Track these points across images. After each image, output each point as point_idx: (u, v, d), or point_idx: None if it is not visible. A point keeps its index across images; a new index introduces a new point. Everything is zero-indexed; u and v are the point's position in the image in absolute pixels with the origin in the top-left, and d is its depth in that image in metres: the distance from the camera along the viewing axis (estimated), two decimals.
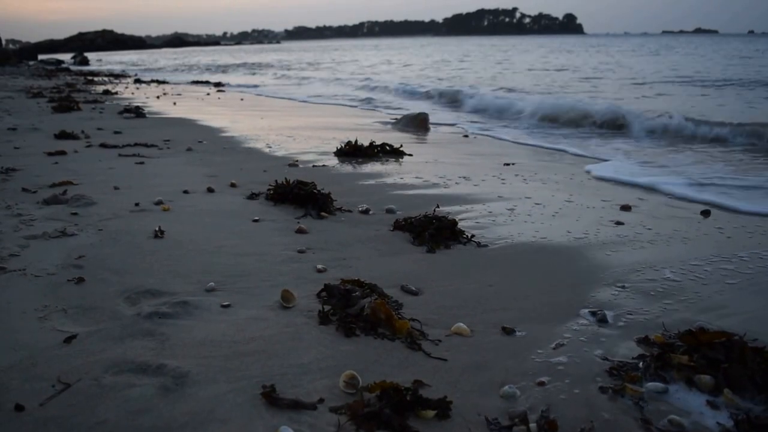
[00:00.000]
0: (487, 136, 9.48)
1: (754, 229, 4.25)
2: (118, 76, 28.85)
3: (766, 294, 3.10)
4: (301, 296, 2.94)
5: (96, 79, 24.88)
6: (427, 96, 15.86)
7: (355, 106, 14.67)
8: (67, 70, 35.01)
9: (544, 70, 25.91)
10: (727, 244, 3.90)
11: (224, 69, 35.15)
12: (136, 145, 7.58)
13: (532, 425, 1.96)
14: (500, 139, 9.17)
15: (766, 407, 2.07)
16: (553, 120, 10.85)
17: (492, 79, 21.01)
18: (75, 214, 4.32)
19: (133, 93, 17.53)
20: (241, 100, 16.17)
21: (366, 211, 4.60)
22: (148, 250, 3.60)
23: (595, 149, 8.08)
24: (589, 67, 27.82)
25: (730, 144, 8.28)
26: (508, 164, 6.74)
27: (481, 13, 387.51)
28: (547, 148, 8.28)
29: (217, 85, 22.06)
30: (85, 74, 29.46)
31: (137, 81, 23.63)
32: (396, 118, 11.13)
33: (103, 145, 7.50)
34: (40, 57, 50.16)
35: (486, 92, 15.11)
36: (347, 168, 6.62)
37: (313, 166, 6.53)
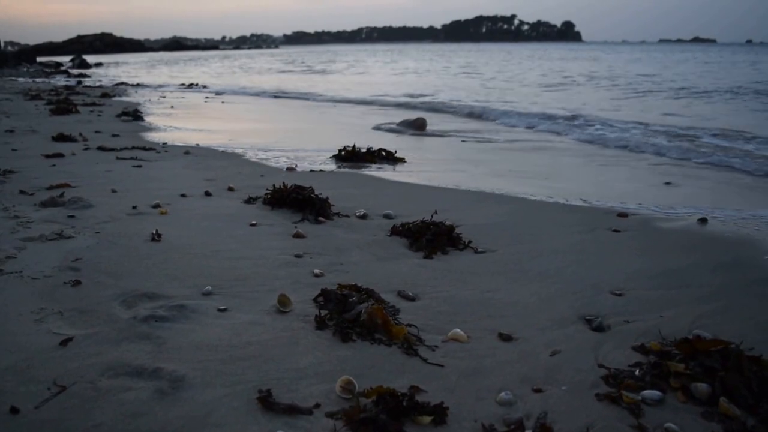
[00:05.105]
0: None
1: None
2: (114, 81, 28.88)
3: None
4: (297, 301, 2.94)
5: (96, 84, 24.90)
6: None
7: None
8: (66, 72, 35.05)
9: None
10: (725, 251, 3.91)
11: None
12: (133, 148, 7.58)
13: None
14: None
15: (762, 417, 2.07)
16: None
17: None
18: (72, 216, 4.32)
19: (131, 96, 17.53)
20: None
21: (364, 216, 4.61)
22: (145, 253, 3.59)
23: None
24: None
25: None
26: None
27: (479, 20, 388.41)
28: None
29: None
30: (78, 76, 29.63)
31: (136, 85, 23.65)
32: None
33: (100, 148, 7.49)
34: (39, 59, 50.05)
35: None
36: (345, 172, 6.62)
37: (311, 170, 6.53)
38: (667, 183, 6.29)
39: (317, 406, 2.08)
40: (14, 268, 3.25)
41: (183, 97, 17.73)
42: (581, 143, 9.59)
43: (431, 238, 3.91)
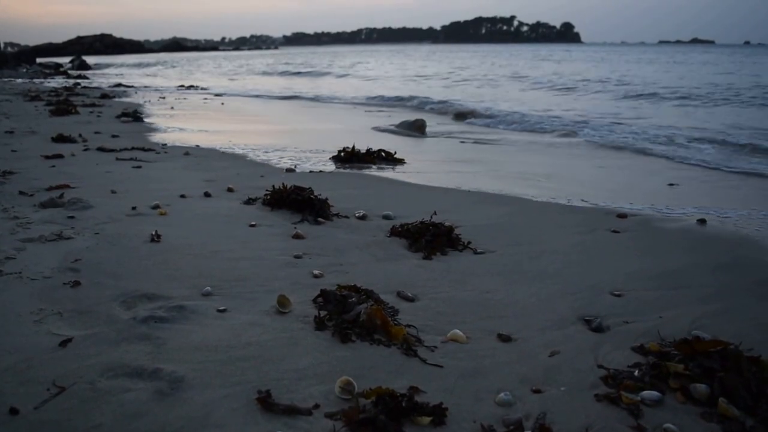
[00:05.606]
0: None
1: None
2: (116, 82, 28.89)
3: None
4: (297, 301, 2.94)
5: (92, 85, 24.93)
6: None
7: None
8: (65, 73, 35.07)
9: None
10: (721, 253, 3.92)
11: None
12: (133, 149, 7.58)
13: None
14: None
15: (761, 417, 2.07)
16: None
17: None
18: (71, 217, 4.32)
19: (130, 97, 17.53)
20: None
21: (363, 217, 4.61)
22: (144, 254, 3.59)
23: None
24: None
25: None
26: None
27: (478, 21, 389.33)
28: None
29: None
30: (77, 77, 29.72)
31: (132, 86, 23.69)
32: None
33: (100, 149, 7.49)
34: (39, 60, 50.05)
35: None
36: (345, 173, 6.63)
37: (311, 171, 6.53)
38: (671, 184, 6.28)
39: (316, 406, 2.08)
40: (14, 269, 3.26)
41: (183, 98, 17.73)
42: (582, 144, 9.60)
43: (430, 238, 3.91)
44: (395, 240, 4.05)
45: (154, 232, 3.91)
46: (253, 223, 4.34)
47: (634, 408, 2.12)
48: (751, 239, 4.26)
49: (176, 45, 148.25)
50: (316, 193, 4.77)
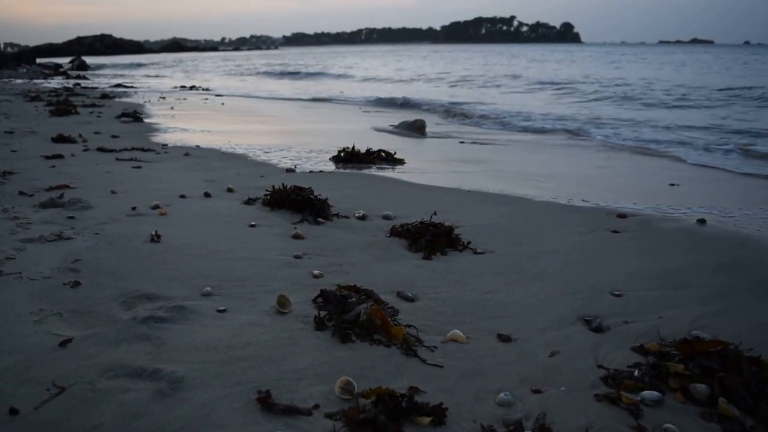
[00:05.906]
0: None
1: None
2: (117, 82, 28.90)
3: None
4: (297, 302, 2.94)
5: (92, 85, 24.95)
6: None
7: None
8: (65, 74, 35.10)
9: None
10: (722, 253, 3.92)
11: None
12: (133, 149, 7.58)
13: None
14: None
15: (761, 417, 2.07)
16: None
17: None
18: (71, 217, 4.32)
19: (130, 98, 17.54)
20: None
21: (363, 217, 4.61)
22: (144, 254, 3.59)
23: None
24: None
25: None
26: None
27: (478, 21, 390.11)
28: None
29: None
30: (77, 78, 29.78)
31: (132, 87, 23.69)
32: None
33: (100, 149, 7.49)
34: (39, 61, 50.04)
35: None
36: (345, 173, 6.63)
37: (311, 171, 6.53)
38: (672, 184, 6.28)
39: (316, 406, 2.08)
40: (13, 269, 3.26)
41: (183, 99, 17.73)
42: (583, 144, 9.60)
43: (430, 239, 3.91)
44: (395, 240, 4.05)
45: (154, 233, 3.91)
46: (253, 223, 4.34)
47: (634, 408, 2.12)
48: (751, 239, 4.26)
49: (176, 45, 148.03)
50: (316, 193, 4.77)
